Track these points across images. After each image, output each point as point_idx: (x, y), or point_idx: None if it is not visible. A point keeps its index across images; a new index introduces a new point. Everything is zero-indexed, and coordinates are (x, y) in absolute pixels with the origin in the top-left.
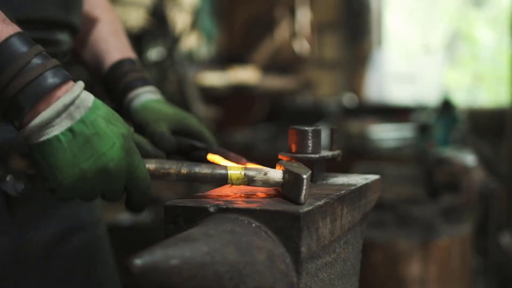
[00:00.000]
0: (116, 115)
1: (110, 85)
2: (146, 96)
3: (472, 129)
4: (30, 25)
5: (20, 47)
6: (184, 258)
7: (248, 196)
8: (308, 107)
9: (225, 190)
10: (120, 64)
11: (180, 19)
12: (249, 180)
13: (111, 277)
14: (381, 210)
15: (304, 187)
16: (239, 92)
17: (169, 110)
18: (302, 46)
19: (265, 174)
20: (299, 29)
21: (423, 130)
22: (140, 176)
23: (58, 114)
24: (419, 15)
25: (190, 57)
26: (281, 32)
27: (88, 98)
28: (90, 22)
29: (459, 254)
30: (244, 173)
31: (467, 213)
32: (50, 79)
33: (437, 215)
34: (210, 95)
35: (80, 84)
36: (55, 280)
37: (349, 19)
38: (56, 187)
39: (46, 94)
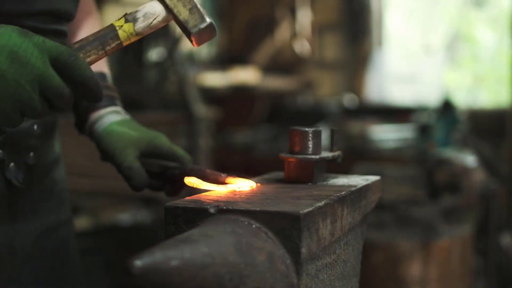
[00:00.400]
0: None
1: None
2: (109, 118)
3: (472, 130)
4: (42, 17)
5: None
6: (184, 259)
7: (248, 197)
8: (308, 108)
9: (226, 191)
10: None
11: None
12: (133, 20)
13: (79, 278)
14: (381, 211)
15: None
16: (240, 92)
17: (135, 132)
18: (302, 46)
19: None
20: (300, 30)
21: (424, 130)
22: (63, 50)
23: None
24: (420, 16)
25: (191, 58)
26: (282, 33)
27: None
28: (70, 24)
29: (460, 255)
30: (125, 17)
31: (467, 214)
32: None
33: (437, 216)
34: (211, 95)
35: None
36: (36, 277)
37: (350, 20)
38: None
39: None
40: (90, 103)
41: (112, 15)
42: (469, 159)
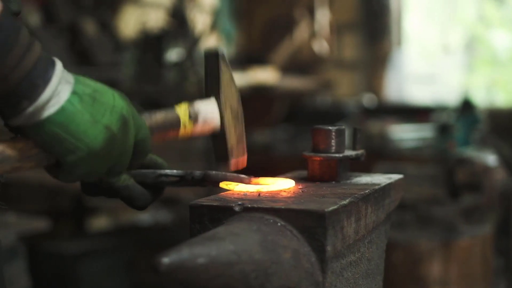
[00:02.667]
0: None
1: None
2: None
3: (492, 129)
4: None
5: (11, 24)
6: (210, 257)
7: (273, 195)
8: (327, 108)
9: (248, 190)
10: None
11: (199, 20)
12: (194, 120)
13: None
14: (402, 210)
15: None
16: (258, 92)
17: None
18: (321, 46)
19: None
20: (319, 30)
21: (443, 130)
22: (143, 124)
23: (59, 81)
24: (438, 15)
25: None
26: (300, 33)
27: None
28: None
29: (480, 255)
30: (189, 112)
31: (488, 213)
32: (44, 52)
33: (458, 215)
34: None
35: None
36: None
37: (369, 19)
38: (86, 156)
39: (54, 65)
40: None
41: (131, 16)
42: (490, 159)
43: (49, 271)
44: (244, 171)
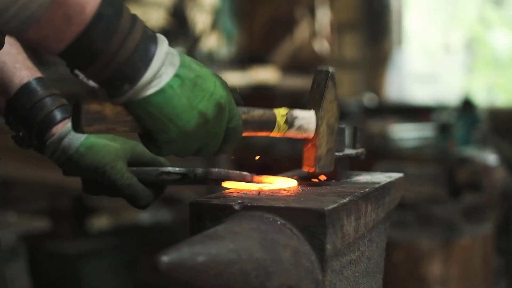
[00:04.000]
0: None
1: (18, 112)
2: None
3: (492, 129)
4: None
5: (112, 11)
6: (210, 255)
7: (272, 194)
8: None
9: (248, 189)
10: (31, 85)
11: (200, 19)
12: (290, 125)
13: None
14: (402, 210)
15: None
16: (259, 92)
17: (116, 143)
18: (322, 46)
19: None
20: (319, 29)
21: (444, 129)
22: (237, 113)
23: (163, 63)
24: (439, 15)
25: (210, 57)
26: (301, 32)
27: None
28: None
29: (481, 254)
30: (287, 117)
31: (488, 213)
32: (150, 32)
33: (458, 215)
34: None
35: (160, 35)
36: None
37: (369, 19)
38: (177, 137)
39: (155, 47)
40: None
41: None
42: (490, 158)
43: (50, 271)
44: (246, 170)
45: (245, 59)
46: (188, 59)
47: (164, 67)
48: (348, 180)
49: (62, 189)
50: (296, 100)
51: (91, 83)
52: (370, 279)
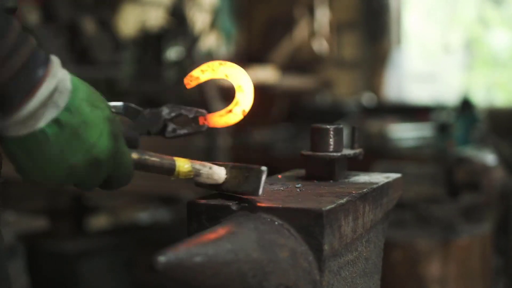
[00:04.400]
0: (96, 93)
1: None
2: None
3: (491, 129)
4: None
5: (1, 21)
6: (207, 256)
7: (270, 194)
8: (327, 107)
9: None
10: None
11: (199, 18)
12: (195, 173)
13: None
14: (401, 209)
15: (263, 180)
16: (258, 91)
17: None
18: (321, 45)
19: (210, 168)
20: (318, 29)
21: (443, 129)
22: (125, 164)
23: (43, 104)
24: (438, 15)
25: (210, 57)
26: (300, 32)
27: (66, 78)
28: None
29: (479, 254)
30: (192, 166)
31: (487, 213)
32: (39, 62)
33: (457, 215)
34: (229, 94)
35: (56, 61)
36: None
37: (368, 19)
38: (39, 180)
39: (38, 81)
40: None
41: (131, 15)
42: (489, 158)
43: (49, 270)
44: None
45: (244, 58)
46: (80, 97)
47: (43, 108)
48: (346, 180)
49: (60, 189)
50: (295, 100)
51: None
52: (368, 280)
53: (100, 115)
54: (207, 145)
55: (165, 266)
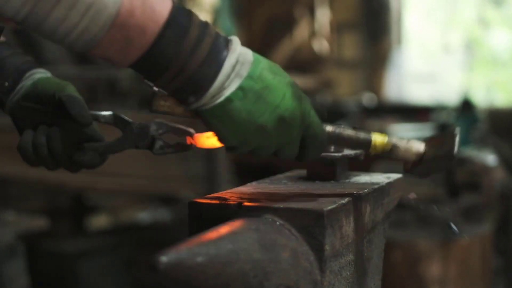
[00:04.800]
0: (277, 65)
1: None
2: (39, 75)
3: (491, 129)
4: None
5: (184, 18)
6: (209, 256)
7: (272, 194)
8: (327, 107)
9: (247, 189)
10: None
11: None
12: (392, 147)
13: None
14: (401, 210)
15: (457, 140)
16: None
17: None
18: (321, 45)
19: (408, 142)
20: (319, 29)
21: (443, 129)
22: (314, 122)
23: (228, 76)
24: (439, 15)
25: None
26: (301, 32)
27: (248, 52)
28: None
29: (479, 254)
30: (388, 140)
31: (487, 213)
32: (221, 46)
33: (457, 215)
34: None
35: (236, 40)
36: None
37: (369, 19)
38: (237, 145)
39: (222, 63)
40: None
41: None
42: (489, 158)
43: (48, 270)
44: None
45: None
46: (261, 66)
47: (229, 80)
48: (347, 180)
49: (60, 188)
50: None
51: (161, 91)
52: (369, 280)
53: (281, 80)
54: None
55: (166, 266)
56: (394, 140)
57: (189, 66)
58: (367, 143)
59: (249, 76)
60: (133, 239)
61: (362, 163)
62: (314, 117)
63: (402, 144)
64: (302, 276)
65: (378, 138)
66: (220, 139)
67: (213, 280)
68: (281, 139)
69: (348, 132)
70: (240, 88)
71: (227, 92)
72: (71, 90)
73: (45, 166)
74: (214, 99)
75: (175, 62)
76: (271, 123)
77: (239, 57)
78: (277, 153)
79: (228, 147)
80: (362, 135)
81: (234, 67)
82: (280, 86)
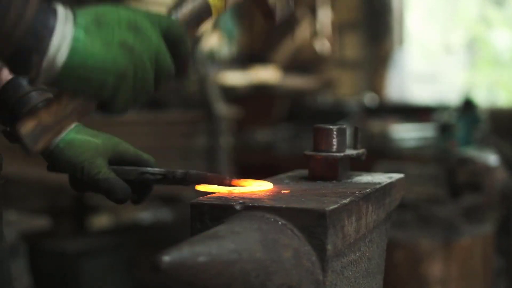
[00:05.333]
0: None
1: (5, 106)
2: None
3: (493, 129)
4: None
5: None
6: (211, 255)
7: (274, 194)
8: (328, 107)
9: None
10: (17, 80)
11: None
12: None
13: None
14: (402, 210)
15: None
16: (260, 91)
17: (97, 140)
18: (323, 45)
19: None
20: (320, 29)
21: (445, 129)
22: (166, 17)
23: (63, 24)
24: (440, 15)
25: (211, 57)
26: (302, 32)
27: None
28: None
29: (481, 254)
30: None
31: (489, 213)
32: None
33: (458, 215)
34: (231, 94)
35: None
36: None
37: (370, 19)
38: (116, 81)
39: (55, 11)
40: (179, 78)
41: None
42: (491, 158)
43: (50, 270)
44: (244, 169)
45: (246, 58)
46: (80, 9)
47: (65, 27)
48: (349, 180)
49: (62, 188)
50: (296, 100)
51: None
52: (371, 280)
53: (103, 4)
54: (208, 145)
55: (169, 265)
56: None
57: (26, 17)
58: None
59: (78, 14)
60: (134, 239)
61: (364, 163)
62: (156, 13)
63: None
64: (304, 276)
65: None
66: (99, 89)
67: (215, 279)
68: (148, 45)
69: (183, 10)
70: (77, 26)
71: (69, 36)
72: (104, 167)
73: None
74: (62, 51)
75: (8, 18)
76: (127, 35)
77: (64, 6)
78: (158, 70)
79: (111, 95)
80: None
81: (65, 15)
82: (107, 7)
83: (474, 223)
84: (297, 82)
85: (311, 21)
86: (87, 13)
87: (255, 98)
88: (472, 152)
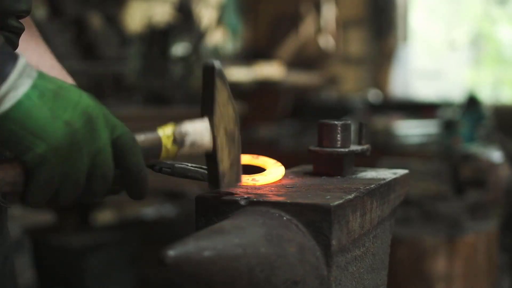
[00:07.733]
0: None
1: None
2: None
3: (497, 126)
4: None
5: None
6: (216, 250)
7: (278, 189)
8: (333, 103)
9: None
10: None
11: (205, 14)
12: (180, 144)
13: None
14: (406, 206)
15: None
16: (264, 87)
17: None
18: (327, 41)
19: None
20: (324, 25)
21: (448, 126)
22: (119, 123)
23: (20, 75)
24: (444, 12)
25: (216, 53)
26: (306, 28)
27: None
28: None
29: (485, 251)
30: (174, 136)
31: (493, 210)
32: (6, 48)
33: (462, 212)
34: (235, 90)
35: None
36: None
37: (375, 15)
38: (46, 153)
39: (15, 60)
40: (132, 197)
41: (137, 10)
42: (495, 155)
43: (54, 265)
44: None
45: (250, 54)
46: (49, 75)
47: (21, 79)
48: (354, 176)
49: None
50: (300, 96)
51: None
52: (375, 275)
53: (71, 84)
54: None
55: (174, 260)
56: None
57: None
58: (157, 145)
59: (40, 76)
60: (138, 234)
61: (367, 159)
62: (115, 119)
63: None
64: (309, 271)
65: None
66: (25, 151)
67: (220, 274)
68: (93, 140)
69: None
70: (34, 86)
71: (21, 90)
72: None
73: None
74: (8, 100)
75: None
76: (77, 119)
77: (26, 63)
78: (94, 169)
79: (35, 163)
80: (149, 138)
81: (25, 68)
82: (73, 88)
83: (478, 220)
84: (301, 78)
85: (315, 17)
86: (51, 81)
87: (259, 94)
88: (476, 149)
